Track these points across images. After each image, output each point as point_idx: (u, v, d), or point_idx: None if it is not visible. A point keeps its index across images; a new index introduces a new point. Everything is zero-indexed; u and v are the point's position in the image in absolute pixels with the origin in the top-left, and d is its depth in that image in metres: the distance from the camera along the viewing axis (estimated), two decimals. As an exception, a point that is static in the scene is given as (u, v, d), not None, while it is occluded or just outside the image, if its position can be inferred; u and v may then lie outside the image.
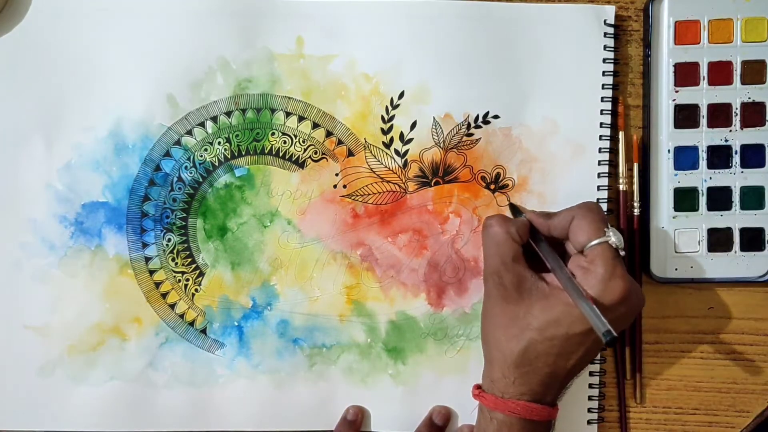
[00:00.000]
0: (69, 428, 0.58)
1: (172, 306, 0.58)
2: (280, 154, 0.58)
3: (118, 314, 0.58)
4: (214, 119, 0.57)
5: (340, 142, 0.58)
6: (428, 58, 0.57)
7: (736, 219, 0.57)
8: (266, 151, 0.58)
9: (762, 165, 0.57)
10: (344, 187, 0.58)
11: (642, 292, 0.50)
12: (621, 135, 0.58)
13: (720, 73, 0.56)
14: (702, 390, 0.59)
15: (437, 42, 0.57)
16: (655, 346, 0.59)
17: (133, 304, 0.58)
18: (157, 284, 0.58)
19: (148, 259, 0.58)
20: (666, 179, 0.57)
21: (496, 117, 0.57)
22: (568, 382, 0.51)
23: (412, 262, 0.58)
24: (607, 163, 0.57)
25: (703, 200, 0.57)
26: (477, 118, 0.57)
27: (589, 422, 0.58)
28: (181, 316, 0.58)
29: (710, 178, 0.57)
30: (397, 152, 0.58)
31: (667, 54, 0.56)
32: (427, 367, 0.58)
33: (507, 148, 0.58)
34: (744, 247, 0.57)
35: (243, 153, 0.58)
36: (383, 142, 0.57)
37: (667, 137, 0.57)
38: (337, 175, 0.58)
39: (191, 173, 0.58)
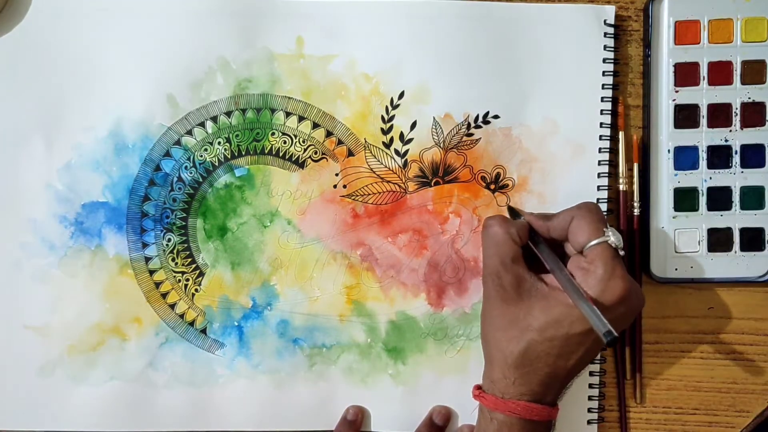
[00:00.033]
0: (69, 428, 0.58)
1: (172, 306, 0.58)
2: (280, 154, 0.58)
3: (118, 314, 0.58)
4: (214, 119, 0.57)
5: (340, 142, 0.58)
6: (428, 58, 0.57)
7: (736, 219, 0.57)
8: (266, 151, 0.58)
9: (762, 165, 0.57)
10: (344, 187, 0.58)
11: (642, 292, 0.50)
12: (621, 135, 0.58)
13: (720, 73, 0.56)
14: (702, 390, 0.59)
15: (437, 42, 0.57)
16: (655, 346, 0.59)
17: (133, 304, 0.58)
18: (157, 284, 0.58)
19: (148, 259, 0.58)
20: (666, 179, 0.57)
21: (496, 117, 0.57)
22: (569, 382, 0.51)
23: (412, 262, 0.58)
24: (607, 163, 0.57)
25: (703, 200, 0.57)
26: (477, 118, 0.57)
27: (589, 422, 0.58)
28: (181, 316, 0.58)
29: (710, 178, 0.57)
30: (397, 152, 0.58)
31: (667, 54, 0.56)
32: (427, 367, 0.58)
33: (507, 148, 0.58)
34: (744, 247, 0.57)
35: (243, 153, 0.58)
36: (383, 142, 0.58)
37: (667, 137, 0.57)
38: (337, 175, 0.58)
39: (191, 173, 0.58)
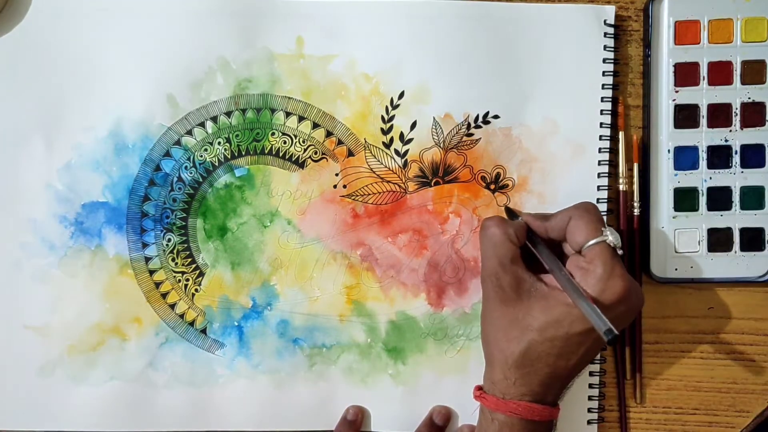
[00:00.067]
0: (69, 428, 0.58)
1: (172, 306, 0.58)
2: (280, 154, 0.58)
3: (118, 314, 0.58)
4: (214, 119, 0.57)
5: (340, 142, 0.58)
6: (428, 58, 0.57)
7: (736, 219, 0.57)
8: (266, 151, 0.58)
9: (762, 165, 0.57)
10: (344, 187, 0.58)
11: (641, 291, 0.50)
12: (621, 135, 0.58)
13: (720, 73, 0.56)
14: (702, 390, 0.59)
15: (437, 42, 0.57)
16: (655, 346, 0.59)
17: (133, 304, 0.58)
18: (157, 284, 0.58)
19: (148, 259, 0.58)
20: (666, 179, 0.57)
21: (496, 117, 0.57)
22: (569, 382, 0.51)
23: (412, 262, 0.58)
24: (607, 163, 0.57)
25: (703, 200, 0.57)
26: (477, 118, 0.57)
27: (589, 422, 0.58)
28: (181, 316, 0.58)
29: (710, 178, 0.57)
30: (397, 152, 0.58)
31: (667, 54, 0.56)
32: (427, 367, 0.58)
33: (507, 148, 0.58)
34: (744, 247, 0.57)
35: (243, 153, 0.58)
36: (383, 142, 0.58)
37: (667, 137, 0.57)
38: (337, 175, 0.58)
39: (191, 173, 0.58)
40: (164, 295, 0.58)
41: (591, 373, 0.58)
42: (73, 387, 0.58)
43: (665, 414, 0.59)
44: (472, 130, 0.57)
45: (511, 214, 0.55)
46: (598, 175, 0.57)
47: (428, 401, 0.58)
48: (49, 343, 0.58)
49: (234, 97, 0.57)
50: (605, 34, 0.57)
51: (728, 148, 0.57)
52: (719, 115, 0.56)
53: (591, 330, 0.47)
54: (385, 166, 0.58)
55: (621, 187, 0.57)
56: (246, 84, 0.57)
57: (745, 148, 0.56)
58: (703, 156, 0.57)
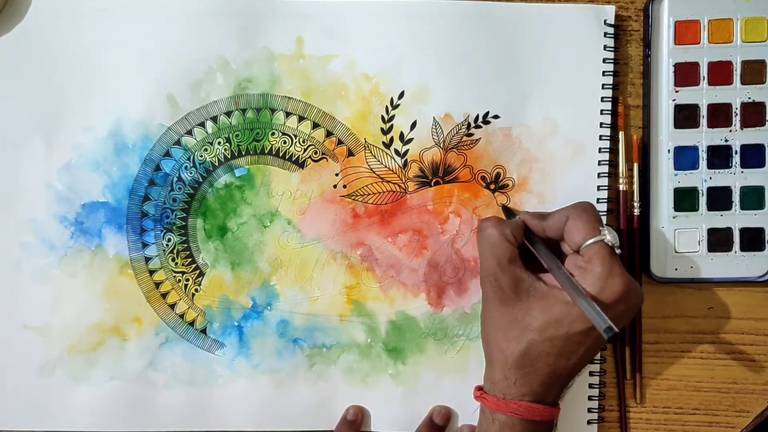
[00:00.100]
0: (69, 428, 0.58)
1: (172, 306, 0.58)
2: (280, 154, 0.58)
3: (118, 314, 0.58)
4: (214, 119, 0.57)
5: (340, 142, 0.58)
6: (428, 58, 0.57)
7: (736, 219, 0.57)
8: (266, 151, 0.58)
9: (762, 165, 0.57)
10: (344, 187, 0.58)
11: (641, 290, 0.50)
12: (621, 135, 0.58)
13: (720, 73, 0.56)
14: (702, 390, 0.59)
15: (437, 42, 0.57)
16: (655, 346, 0.59)
17: (133, 304, 0.58)
18: (157, 284, 0.58)
19: (148, 259, 0.58)
20: (666, 179, 0.57)
21: (496, 117, 0.57)
22: (570, 382, 0.51)
23: (412, 262, 0.58)
24: (607, 163, 0.57)
25: (703, 200, 0.57)
26: (477, 118, 0.57)
27: (589, 422, 0.58)
28: (181, 316, 0.58)
29: (710, 178, 0.57)
30: (397, 152, 0.58)
31: (667, 54, 0.56)
32: (427, 367, 0.58)
33: (507, 148, 0.58)
34: (744, 247, 0.57)
35: (243, 153, 0.58)
36: (383, 142, 0.58)
37: (667, 137, 0.57)
38: (337, 175, 0.58)
39: (191, 173, 0.58)
40: (164, 295, 0.58)
41: (591, 373, 0.58)
42: (73, 387, 0.58)
43: (665, 414, 0.59)
44: (472, 130, 0.57)
45: (509, 212, 0.55)
46: (598, 175, 0.57)
47: (428, 401, 0.58)
48: (49, 343, 0.58)
49: (234, 97, 0.57)
50: (605, 34, 0.57)
51: (728, 148, 0.57)
52: (719, 115, 0.56)
53: (591, 329, 0.47)
54: (385, 166, 0.58)
55: (621, 187, 0.57)
56: (246, 84, 0.57)
57: (745, 148, 0.56)
58: (703, 156, 0.57)
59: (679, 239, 0.57)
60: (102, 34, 0.57)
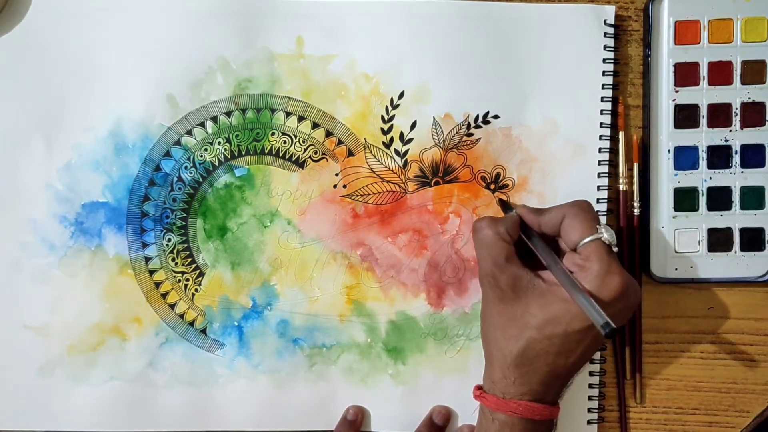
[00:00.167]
0: (69, 428, 0.58)
1: (172, 306, 0.58)
2: (280, 154, 0.58)
3: (118, 314, 0.58)
4: (214, 119, 0.57)
5: (340, 142, 0.58)
6: (428, 58, 0.57)
7: (736, 219, 0.57)
8: (266, 151, 0.58)
9: (762, 165, 0.57)
10: (344, 187, 0.58)
11: (639, 288, 0.50)
12: (621, 135, 0.58)
13: (720, 73, 0.56)
14: (702, 390, 0.59)
15: (437, 42, 0.57)
16: (655, 346, 0.59)
17: (133, 304, 0.58)
18: (157, 284, 0.58)
19: (148, 259, 0.58)
20: (666, 179, 0.57)
21: (496, 117, 0.57)
22: (569, 381, 0.51)
23: (412, 262, 0.58)
24: (607, 163, 0.57)
25: (703, 200, 0.57)
26: (477, 118, 0.57)
27: (589, 422, 0.58)
28: (181, 316, 0.58)
29: (710, 178, 0.57)
30: (397, 152, 0.58)
31: (667, 54, 0.56)
32: (427, 367, 0.58)
33: (507, 148, 0.58)
34: (744, 247, 0.57)
35: (243, 153, 0.58)
36: (383, 142, 0.58)
37: (667, 137, 0.57)
38: (337, 175, 0.58)
39: (191, 173, 0.58)
40: (164, 295, 0.58)
41: (591, 373, 0.58)
42: (73, 387, 0.58)
43: (665, 414, 0.59)
44: (472, 130, 0.57)
45: (506, 206, 0.55)
46: (598, 175, 0.57)
47: (428, 401, 0.58)
48: (49, 343, 0.58)
49: (234, 97, 0.57)
50: (605, 34, 0.57)
51: (728, 148, 0.57)
52: (719, 115, 0.56)
53: (589, 327, 0.47)
54: (385, 166, 0.58)
55: (621, 187, 0.57)
56: (246, 84, 0.57)
57: (745, 148, 0.56)
58: (703, 156, 0.57)
59: (679, 239, 0.57)
60: (102, 34, 0.57)
